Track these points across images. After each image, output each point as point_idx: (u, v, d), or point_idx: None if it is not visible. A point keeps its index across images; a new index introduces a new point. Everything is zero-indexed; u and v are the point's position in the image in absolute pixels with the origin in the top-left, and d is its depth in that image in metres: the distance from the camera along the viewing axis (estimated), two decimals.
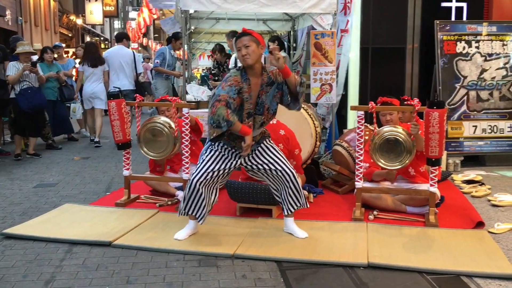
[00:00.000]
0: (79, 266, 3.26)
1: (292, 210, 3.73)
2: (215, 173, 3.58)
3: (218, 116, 3.26)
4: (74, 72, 9.24)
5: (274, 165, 3.60)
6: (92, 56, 8.04)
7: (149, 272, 3.16)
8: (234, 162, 3.60)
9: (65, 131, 8.66)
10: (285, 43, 9.21)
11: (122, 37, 8.47)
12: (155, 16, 15.41)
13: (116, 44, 8.69)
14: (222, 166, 3.59)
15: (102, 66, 8.04)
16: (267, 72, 3.50)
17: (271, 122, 4.40)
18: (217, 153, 3.59)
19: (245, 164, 3.64)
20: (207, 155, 3.60)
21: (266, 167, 3.61)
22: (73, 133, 8.91)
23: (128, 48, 8.68)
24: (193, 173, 3.59)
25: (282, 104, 3.60)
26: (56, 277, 3.10)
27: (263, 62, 3.60)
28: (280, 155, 3.65)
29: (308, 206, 3.84)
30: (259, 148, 3.62)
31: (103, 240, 3.64)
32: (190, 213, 3.67)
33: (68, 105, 8.66)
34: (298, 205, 3.73)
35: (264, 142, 3.64)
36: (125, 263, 3.30)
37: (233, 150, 3.57)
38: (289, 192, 3.67)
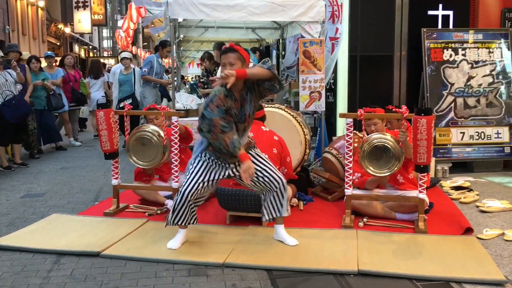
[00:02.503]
0: (67, 277, 3.22)
1: (273, 216, 3.72)
2: (205, 184, 3.58)
3: (220, 144, 3.36)
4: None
5: (262, 173, 3.60)
6: (95, 71, 9.90)
7: (138, 283, 3.14)
8: (222, 173, 3.61)
9: (52, 140, 8.59)
10: (274, 51, 9.26)
11: None
12: (143, 14, 15.37)
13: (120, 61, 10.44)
14: (211, 177, 3.59)
15: (102, 78, 9.81)
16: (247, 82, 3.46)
17: (264, 130, 4.42)
18: (205, 164, 3.59)
19: (232, 174, 3.64)
20: (195, 166, 3.60)
21: (254, 176, 3.60)
22: (61, 142, 8.83)
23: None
24: (184, 185, 3.58)
25: (265, 95, 3.58)
26: None
27: None
28: (267, 162, 3.66)
29: (290, 214, 3.82)
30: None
31: (91, 250, 3.61)
32: (181, 223, 3.66)
33: (55, 113, 8.73)
34: (281, 211, 3.71)
35: (250, 151, 3.63)
36: (113, 274, 3.27)
37: (219, 162, 3.57)
38: (274, 198, 3.67)
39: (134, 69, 8.67)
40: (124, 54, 8.78)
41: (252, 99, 3.50)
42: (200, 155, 3.61)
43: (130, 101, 8.11)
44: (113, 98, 8.75)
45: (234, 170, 3.61)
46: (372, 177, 4.35)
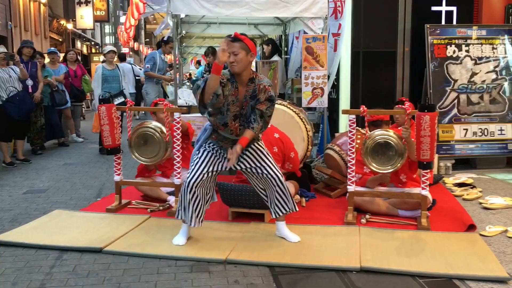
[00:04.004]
0: (69, 273, 3.23)
1: (280, 214, 3.72)
2: (209, 174, 3.59)
3: (197, 84, 3.41)
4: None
5: (261, 169, 3.60)
6: None
7: (140, 279, 3.14)
8: (225, 164, 3.61)
9: (56, 136, 8.62)
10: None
11: (124, 58, 12.41)
12: (142, 10, 15.50)
13: (120, 62, 11.08)
14: (215, 168, 3.60)
15: None
16: (255, 84, 3.46)
17: None
18: (209, 154, 3.59)
19: (233, 167, 3.64)
20: (200, 157, 3.60)
21: (254, 170, 3.61)
22: (63, 138, 8.86)
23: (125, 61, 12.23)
24: (188, 176, 3.58)
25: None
26: (46, 284, 3.07)
27: (254, 70, 3.58)
28: (268, 158, 3.64)
29: (297, 209, 3.81)
30: (249, 150, 3.60)
31: (93, 246, 3.61)
32: (186, 219, 3.65)
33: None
34: (287, 209, 3.71)
35: (254, 144, 3.62)
36: (116, 270, 3.27)
37: (222, 152, 3.58)
38: (275, 196, 3.66)
39: (117, 65, 8.36)
40: (110, 47, 8.31)
41: (253, 107, 3.48)
42: (203, 145, 3.62)
43: (123, 99, 7.71)
44: (95, 95, 7.89)
45: (236, 164, 3.61)
46: (373, 176, 4.35)
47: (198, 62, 15.23)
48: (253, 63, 6.36)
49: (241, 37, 3.42)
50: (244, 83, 3.46)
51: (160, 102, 4.79)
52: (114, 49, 8.41)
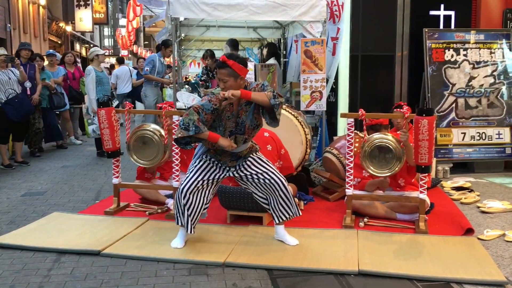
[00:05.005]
0: (67, 275, 3.22)
1: (284, 219, 3.71)
2: (205, 182, 3.59)
3: (189, 119, 3.30)
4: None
5: (263, 175, 3.60)
6: None
7: (138, 282, 3.13)
8: (223, 174, 3.63)
9: (54, 138, 8.61)
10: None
11: (123, 61, 13.55)
12: (138, 13, 15.60)
13: (119, 65, 12.68)
14: (211, 176, 3.60)
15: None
16: (248, 90, 3.44)
17: None
18: (206, 163, 3.60)
19: (232, 176, 3.65)
20: (196, 165, 3.61)
21: (255, 177, 3.61)
22: (62, 140, 8.85)
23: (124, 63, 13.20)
24: (182, 182, 3.59)
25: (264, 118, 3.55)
26: (44, 287, 3.07)
27: (247, 80, 3.57)
28: (269, 165, 3.65)
29: (301, 214, 3.81)
30: (248, 160, 3.61)
31: (92, 249, 3.61)
32: (181, 224, 3.65)
33: (57, 112, 8.67)
34: (290, 214, 3.71)
35: (252, 154, 3.64)
36: (114, 272, 3.27)
37: (220, 164, 3.59)
38: (279, 201, 3.66)
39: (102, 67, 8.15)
40: (99, 50, 8.06)
41: (254, 112, 3.48)
42: (201, 156, 3.62)
43: (117, 102, 7.55)
44: (90, 99, 7.39)
45: (235, 173, 3.62)
46: (371, 180, 4.35)
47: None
48: (252, 67, 6.38)
49: (228, 63, 3.33)
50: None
51: (165, 105, 4.78)
52: (101, 51, 8.32)
